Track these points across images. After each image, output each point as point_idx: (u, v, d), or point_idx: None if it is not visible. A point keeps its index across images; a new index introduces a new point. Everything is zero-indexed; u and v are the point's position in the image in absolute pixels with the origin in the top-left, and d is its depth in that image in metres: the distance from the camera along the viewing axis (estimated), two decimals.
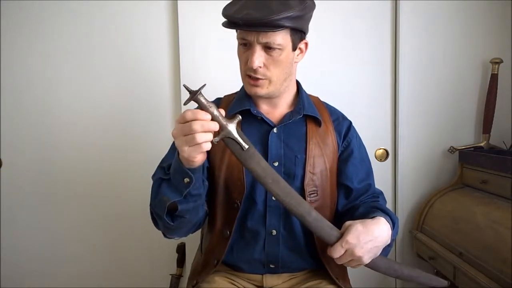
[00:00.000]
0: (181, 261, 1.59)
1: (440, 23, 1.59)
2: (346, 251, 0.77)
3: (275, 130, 0.94)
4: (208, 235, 0.99)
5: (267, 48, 0.84)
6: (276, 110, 0.97)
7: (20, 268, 1.56)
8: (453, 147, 1.62)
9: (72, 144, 1.54)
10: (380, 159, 1.62)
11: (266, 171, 0.75)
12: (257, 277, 0.95)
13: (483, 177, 1.42)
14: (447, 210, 1.47)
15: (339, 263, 0.80)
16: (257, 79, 0.87)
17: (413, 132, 1.62)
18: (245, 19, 0.78)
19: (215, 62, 1.53)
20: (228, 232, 0.92)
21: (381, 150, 1.62)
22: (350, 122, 1.04)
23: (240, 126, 0.93)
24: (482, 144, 1.58)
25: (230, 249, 0.93)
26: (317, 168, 0.93)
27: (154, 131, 1.55)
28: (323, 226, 0.79)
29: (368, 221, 0.81)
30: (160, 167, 0.85)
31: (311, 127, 0.96)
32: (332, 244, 0.78)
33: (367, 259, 0.79)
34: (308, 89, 1.05)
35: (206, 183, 0.87)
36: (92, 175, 1.55)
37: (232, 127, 0.71)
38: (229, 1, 0.88)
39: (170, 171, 0.78)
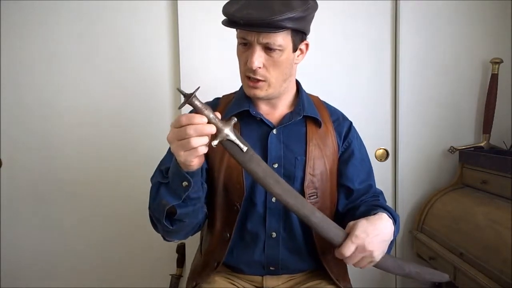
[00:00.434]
0: (181, 261, 1.59)
1: (440, 23, 1.59)
2: (357, 247, 0.75)
3: (274, 131, 0.92)
4: (207, 237, 0.98)
5: (267, 49, 0.82)
6: (275, 110, 0.96)
7: (20, 268, 1.56)
8: (453, 147, 1.62)
9: (72, 144, 1.54)
10: (380, 159, 1.62)
11: (267, 173, 0.74)
12: (257, 278, 0.95)
13: (483, 177, 1.42)
14: (447, 210, 1.47)
15: (351, 262, 0.77)
16: (257, 80, 0.86)
17: (413, 132, 1.62)
18: (246, 19, 0.76)
19: (215, 62, 1.53)
20: (228, 235, 0.91)
21: (381, 150, 1.62)
22: (351, 123, 1.03)
23: (239, 128, 0.92)
24: (482, 144, 1.58)
25: (230, 251, 0.92)
26: (317, 170, 0.92)
27: (154, 130, 1.55)
28: (329, 226, 0.77)
29: (372, 217, 0.80)
30: (159, 170, 0.84)
31: (311, 128, 0.95)
32: (340, 244, 0.76)
33: (378, 255, 0.77)
34: (308, 89, 1.05)
35: (205, 185, 0.86)
36: (92, 175, 1.55)
37: (228, 130, 0.69)
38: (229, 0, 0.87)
39: (168, 174, 0.77)
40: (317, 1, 0.89)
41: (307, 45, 0.91)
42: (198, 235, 1.08)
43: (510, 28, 1.60)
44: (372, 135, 1.57)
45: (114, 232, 1.59)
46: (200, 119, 0.65)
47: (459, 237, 1.33)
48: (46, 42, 1.50)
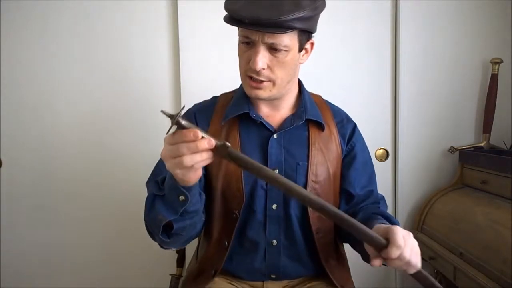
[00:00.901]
0: (181, 261, 1.59)
1: (440, 23, 1.59)
2: (403, 235, 0.65)
3: (275, 136, 0.88)
4: (204, 243, 0.95)
5: (272, 49, 0.78)
6: (277, 113, 0.92)
7: (20, 268, 1.56)
8: (453, 147, 1.62)
9: (72, 144, 1.54)
10: (380, 159, 1.62)
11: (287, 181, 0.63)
12: (258, 283, 0.93)
13: (483, 177, 1.42)
14: (447, 210, 1.47)
15: (397, 264, 0.65)
16: (260, 81, 0.81)
17: (413, 132, 1.62)
18: (252, 18, 0.71)
19: (215, 62, 1.53)
20: (227, 243, 0.88)
21: (381, 150, 1.62)
22: (355, 125, 0.99)
23: (238, 131, 0.89)
24: (482, 144, 1.58)
25: (229, 258, 0.90)
26: (320, 177, 0.89)
27: (154, 131, 1.55)
28: (367, 229, 0.66)
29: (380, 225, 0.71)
30: (154, 181, 0.77)
31: (313, 131, 0.91)
32: (385, 244, 0.64)
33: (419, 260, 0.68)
34: (308, 89, 1.05)
35: (203, 196, 0.80)
36: (91, 175, 1.55)
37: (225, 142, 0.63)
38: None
39: (164, 186, 0.72)
40: None
41: (312, 44, 0.87)
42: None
43: (510, 28, 1.60)
44: (372, 135, 1.57)
45: (114, 232, 1.59)
46: (191, 135, 0.59)
47: (459, 237, 1.33)
48: (46, 42, 1.49)
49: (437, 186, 1.63)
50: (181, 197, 0.68)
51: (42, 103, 1.51)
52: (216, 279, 0.92)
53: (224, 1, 0.80)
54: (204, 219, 0.86)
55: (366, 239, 0.66)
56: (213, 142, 0.60)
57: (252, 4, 0.73)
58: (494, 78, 1.55)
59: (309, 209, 0.87)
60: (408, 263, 0.65)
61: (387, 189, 1.63)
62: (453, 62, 1.61)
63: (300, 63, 0.87)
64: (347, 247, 0.97)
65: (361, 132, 1.02)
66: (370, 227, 0.72)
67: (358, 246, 0.83)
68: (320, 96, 1.03)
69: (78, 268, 1.58)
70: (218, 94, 1.05)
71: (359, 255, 0.87)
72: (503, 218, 1.20)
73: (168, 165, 0.63)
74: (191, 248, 1.55)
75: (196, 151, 0.59)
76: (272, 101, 0.89)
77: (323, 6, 0.81)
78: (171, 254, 1.60)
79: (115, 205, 1.57)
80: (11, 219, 1.54)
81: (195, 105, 0.99)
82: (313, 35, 0.86)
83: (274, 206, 0.88)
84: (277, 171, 0.87)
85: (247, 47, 0.80)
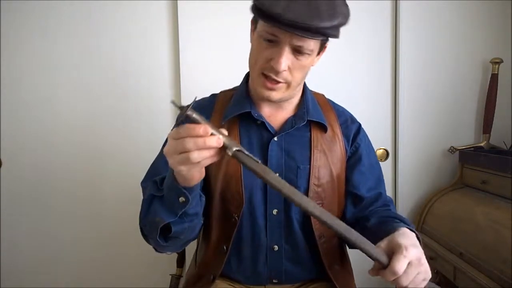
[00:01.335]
0: (181, 261, 1.59)
1: (440, 23, 1.59)
2: (410, 262, 0.62)
3: (276, 138, 0.85)
4: (203, 247, 0.93)
5: (296, 51, 0.75)
6: (279, 113, 0.89)
7: (20, 268, 1.56)
8: (453, 147, 1.62)
9: (72, 144, 1.54)
10: (380, 159, 1.62)
11: (290, 187, 0.61)
12: (259, 287, 0.91)
13: (483, 177, 1.42)
14: (447, 210, 1.47)
15: (406, 282, 0.62)
16: (276, 82, 0.78)
17: (413, 132, 1.62)
18: (291, 20, 0.66)
19: (215, 61, 1.53)
20: (225, 247, 0.85)
21: (381, 150, 1.62)
22: (359, 125, 0.96)
23: (239, 131, 0.87)
24: (482, 144, 1.58)
25: (228, 263, 0.87)
26: (322, 179, 0.86)
27: (154, 131, 1.55)
28: (370, 245, 0.64)
29: (403, 230, 0.70)
30: (152, 181, 0.73)
31: (315, 133, 0.88)
32: (387, 262, 0.63)
33: (429, 269, 0.66)
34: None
35: (203, 198, 0.77)
36: (92, 175, 1.55)
37: (234, 141, 0.60)
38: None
39: (163, 186, 0.69)
40: None
41: (325, 47, 0.85)
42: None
43: (510, 28, 1.60)
44: (372, 135, 1.54)
45: (114, 232, 1.58)
46: (201, 130, 0.56)
47: (459, 237, 1.33)
48: (46, 42, 1.49)
49: (437, 186, 1.63)
50: (181, 198, 0.65)
51: (42, 103, 1.51)
52: (217, 281, 0.90)
53: None
54: (202, 222, 0.83)
55: (368, 254, 0.63)
56: (221, 140, 0.57)
57: (291, 4, 0.68)
58: (494, 78, 1.55)
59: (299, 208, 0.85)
60: (418, 277, 0.63)
61: (387, 189, 1.60)
62: (453, 62, 1.61)
63: (312, 65, 0.85)
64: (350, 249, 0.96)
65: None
66: (387, 230, 0.71)
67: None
68: (323, 95, 1.00)
69: (78, 268, 1.58)
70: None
71: (362, 258, 0.86)
72: (503, 218, 1.20)
73: (172, 161, 0.60)
74: (191, 248, 1.55)
75: (204, 148, 0.56)
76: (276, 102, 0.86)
77: (350, 13, 0.79)
78: (171, 254, 1.60)
79: (115, 205, 1.57)
80: (11, 219, 1.54)
81: (195, 102, 0.98)
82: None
83: (274, 211, 0.85)
84: (277, 174, 0.85)
85: (269, 44, 0.75)
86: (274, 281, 0.89)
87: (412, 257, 0.62)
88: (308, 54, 0.76)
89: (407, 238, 0.66)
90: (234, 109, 0.87)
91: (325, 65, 1.56)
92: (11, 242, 1.55)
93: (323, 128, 0.89)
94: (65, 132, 1.53)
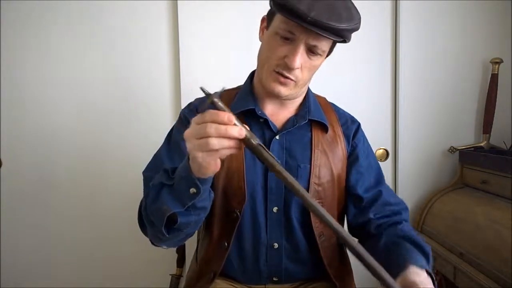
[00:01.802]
0: (181, 261, 1.59)
1: (440, 23, 1.59)
2: None
3: (277, 137, 0.86)
4: (204, 243, 0.93)
5: (310, 51, 0.77)
6: (281, 112, 0.90)
7: (20, 268, 1.56)
8: (453, 147, 1.62)
9: (72, 144, 1.54)
10: (380, 159, 1.62)
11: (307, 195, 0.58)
12: (260, 286, 0.91)
13: (483, 177, 1.42)
14: (447, 210, 1.47)
15: None
16: (288, 78, 0.79)
17: (413, 132, 1.62)
18: (315, 19, 0.68)
19: (215, 62, 1.53)
20: (226, 244, 0.85)
21: (381, 150, 1.63)
22: (359, 125, 0.97)
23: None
24: (482, 144, 1.58)
25: (229, 261, 0.88)
26: (323, 179, 0.86)
27: (154, 132, 1.55)
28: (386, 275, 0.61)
29: (416, 271, 0.68)
30: (164, 169, 0.72)
31: (317, 133, 0.89)
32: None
33: None
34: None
35: (212, 194, 0.75)
36: (91, 175, 1.55)
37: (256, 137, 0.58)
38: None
39: (175, 175, 0.68)
40: None
41: (332, 51, 0.87)
42: (195, 238, 1.07)
43: (510, 28, 1.60)
44: (372, 135, 1.55)
45: (114, 232, 1.59)
46: (225, 117, 0.55)
47: (459, 237, 1.33)
48: (46, 43, 1.49)
49: (437, 186, 1.63)
50: (192, 189, 0.64)
51: (42, 103, 1.51)
52: (217, 281, 0.90)
53: None
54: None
55: (380, 279, 0.60)
56: (244, 132, 0.56)
57: (315, 4, 0.70)
58: (494, 78, 1.55)
59: (311, 213, 0.85)
60: None
61: None
62: (453, 62, 1.61)
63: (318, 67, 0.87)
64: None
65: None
66: (399, 261, 0.70)
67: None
68: (325, 98, 1.01)
69: (78, 268, 1.58)
70: None
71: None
72: (503, 218, 1.20)
73: (190, 145, 0.59)
74: (191, 248, 1.56)
75: (225, 136, 0.55)
76: (282, 99, 0.87)
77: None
78: (171, 254, 1.60)
79: (115, 205, 1.57)
80: (11, 219, 1.54)
81: (197, 99, 0.97)
82: None
83: (275, 209, 0.86)
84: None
85: (285, 42, 0.76)
86: (274, 279, 0.89)
87: None
88: (320, 54, 0.78)
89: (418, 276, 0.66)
90: (238, 105, 0.88)
91: (325, 65, 1.56)
92: (11, 242, 1.55)
93: (324, 128, 0.90)
94: (65, 131, 1.53)
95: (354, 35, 0.80)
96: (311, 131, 0.89)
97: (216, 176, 0.85)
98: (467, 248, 1.27)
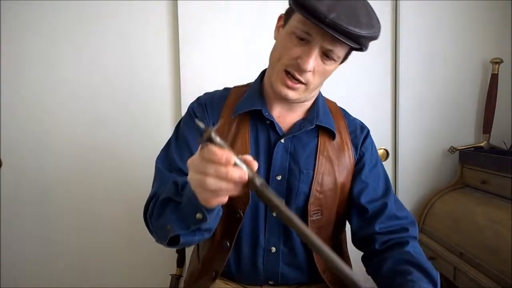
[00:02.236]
0: (181, 261, 1.59)
1: (440, 23, 1.59)
2: None
3: (282, 140, 0.84)
4: (206, 242, 0.92)
5: (324, 55, 0.75)
6: (289, 115, 0.88)
7: (20, 268, 1.56)
8: (453, 147, 1.62)
9: (72, 145, 1.54)
10: (380, 159, 1.62)
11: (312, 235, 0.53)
12: (255, 287, 0.92)
13: (483, 177, 1.42)
14: (447, 210, 1.47)
15: None
16: (297, 81, 0.77)
17: (413, 132, 1.62)
18: (335, 22, 0.66)
19: (215, 62, 1.53)
20: (228, 244, 0.85)
21: (381, 150, 1.62)
22: (368, 132, 0.94)
23: (249, 129, 0.85)
24: (482, 144, 1.58)
25: (229, 260, 0.88)
26: (325, 187, 0.84)
27: (154, 132, 1.55)
28: None
29: None
30: (173, 182, 0.68)
31: (323, 139, 0.87)
32: None
33: None
34: None
35: (221, 212, 0.68)
36: (91, 176, 1.55)
37: (259, 176, 0.52)
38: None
39: (183, 192, 0.63)
40: None
41: (347, 59, 0.86)
42: None
43: (510, 28, 1.60)
44: (372, 135, 1.56)
45: (114, 232, 1.59)
46: (223, 158, 0.48)
47: (459, 237, 1.33)
48: (46, 43, 1.49)
49: (437, 186, 1.63)
50: (198, 215, 0.59)
51: (42, 104, 1.51)
52: (217, 280, 0.90)
53: None
54: None
55: None
56: (245, 175, 0.50)
57: (336, 6, 0.68)
58: (494, 78, 1.55)
59: (309, 219, 0.84)
60: None
61: None
62: (453, 62, 1.61)
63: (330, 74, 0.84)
64: (351, 249, 0.95)
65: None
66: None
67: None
68: (335, 103, 0.99)
69: (78, 268, 1.58)
70: None
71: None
72: (503, 218, 1.20)
73: (190, 176, 0.54)
74: (191, 248, 1.55)
75: (224, 178, 0.50)
76: (290, 102, 0.85)
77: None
78: (171, 254, 1.60)
79: (115, 205, 1.57)
80: (11, 219, 1.54)
81: (206, 94, 0.95)
82: None
83: (274, 213, 0.85)
84: (280, 177, 0.84)
85: (300, 42, 0.74)
86: (270, 282, 0.89)
87: None
88: (334, 60, 0.76)
89: None
90: (245, 105, 0.86)
91: None
92: (11, 242, 1.55)
93: (331, 135, 0.88)
94: (65, 132, 1.53)
95: None
96: (317, 136, 0.87)
97: None
98: (467, 248, 1.27)
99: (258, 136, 0.86)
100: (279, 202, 0.51)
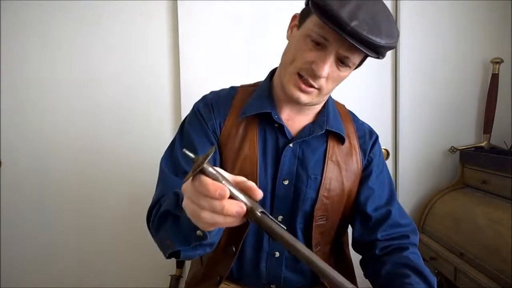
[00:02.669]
0: (181, 262, 1.59)
1: (440, 23, 1.59)
2: None
3: (291, 145, 0.82)
4: None
5: (340, 61, 0.72)
6: (298, 118, 0.85)
7: (20, 268, 1.56)
8: (453, 147, 1.62)
9: (72, 145, 1.54)
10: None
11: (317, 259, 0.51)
12: None
13: (483, 177, 1.42)
14: (448, 210, 1.47)
15: None
16: (310, 85, 0.74)
17: (413, 132, 1.62)
18: (355, 30, 0.64)
19: (215, 62, 1.53)
20: (234, 249, 0.84)
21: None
22: (376, 137, 0.93)
23: (257, 133, 0.83)
24: (482, 144, 1.58)
25: (234, 265, 0.87)
26: (332, 192, 0.83)
27: (154, 133, 1.55)
28: None
29: None
30: (174, 193, 0.64)
31: (332, 143, 0.85)
32: None
33: None
34: None
35: (223, 228, 0.65)
36: (92, 176, 1.55)
37: (257, 205, 0.48)
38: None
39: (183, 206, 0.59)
40: None
41: (361, 65, 0.83)
42: None
43: (510, 28, 1.60)
44: None
45: (114, 232, 1.59)
46: (217, 193, 0.44)
47: (459, 237, 1.33)
48: (46, 43, 1.50)
49: (437, 186, 1.63)
50: (199, 232, 0.57)
51: (41, 104, 1.52)
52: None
53: None
54: None
55: None
56: (244, 208, 0.46)
57: (358, 12, 0.65)
58: (494, 78, 1.55)
59: (314, 224, 0.83)
60: None
61: None
62: (453, 62, 1.61)
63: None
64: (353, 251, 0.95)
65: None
66: None
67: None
68: (344, 106, 0.97)
69: (78, 268, 1.59)
70: None
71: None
72: (503, 218, 1.19)
73: (185, 204, 0.50)
74: None
75: (220, 213, 0.46)
76: (300, 105, 0.82)
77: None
78: None
79: (115, 206, 1.57)
80: (11, 219, 1.54)
81: (212, 92, 0.92)
82: None
83: (279, 218, 0.84)
84: (287, 182, 0.83)
85: (315, 47, 0.71)
86: (272, 286, 0.88)
87: None
88: (349, 67, 0.74)
89: None
90: (254, 107, 0.83)
91: None
92: (11, 242, 1.55)
93: (340, 139, 0.86)
94: (65, 132, 1.54)
95: None
96: (326, 141, 0.85)
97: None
98: (467, 248, 1.27)
99: (266, 140, 0.84)
100: (281, 230, 0.48)
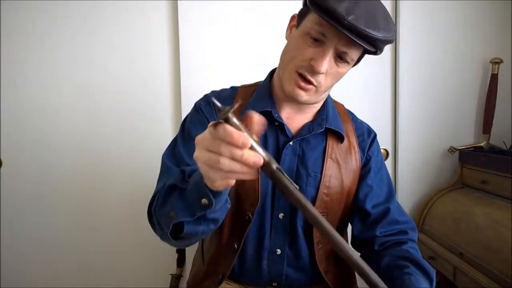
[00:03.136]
0: (181, 261, 1.59)
1: (440, 23, 1.59)
2: None
3: (291, 143, 0.84)
4: (212, 243, 0.91)
5: (338, 57, 0.73)
6: (298, 116, 0.87)
7: (20, 268, 1.56)
8: (453, 147, 1.62)
9: (72, 145, 1.54)
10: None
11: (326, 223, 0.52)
12: None
13: (483, 177, 1.42)
14: (447, 210, 1.47)
15: None
16: (309, 82, 0.75)
17: (413, 132, 1.62)
18: (354, 24, 0.65)
19: (215, 62, 1.53)
20: (236, 246, 0.84)
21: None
22: (375, 136, 0.95)
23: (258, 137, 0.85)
24: (482, 144, 1.58)
25: (235, 263, 0.87)
26: (332, 189, 0.84)
27: (154, 132, 1.55)
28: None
29: None
30: (180, 169, 0.67)
31: (331, 142, 0.87)
32: None
33: None
34: None
35: (229, 204, 0.67)
36: (92, 176, 1.55)
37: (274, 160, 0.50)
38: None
39: (190, 179, 0.62)
40: None
41: (359, 62, 0.83)
42: None
43: (510, 28, 1.60)
44: None
45: (114, 232, 1.59)
46: (240, 141, 0.46)
47: (459, 237, 1.33)
48: (46, 43, 1.49)
49: (437, 186, 1.63)
50: (204, 200, 0.57)
51: (42, 104, 1.51)
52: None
53: None
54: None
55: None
56: (261, 160, 0.48)
57: (354, 7, 0.66)
58: (494, 78, 1.55)
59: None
60: None
61: None
62: (453, 62, 1.61)
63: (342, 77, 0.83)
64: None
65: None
66: (402, 285, 0.69)
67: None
68: (343, 105, 0.99)
69: (78, 268, 1.58)
70: None
71: None
72: (503, 218, 1.20)
73: (198, 153, 0.50)
74: (191, 248, 1.55)
75: (239, 161, 0.47)
76: (300, 103, 0.83)
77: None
78: (171, 254, 1.60)
79: (115, 205, 1.57)
80: (11, 219, 1.54)
81: (213, 92, 0.95)
82: None
83: (280, 215, 0.85)
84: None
85: (313, 43, 0.73)
86: (273, 284, 0.88)
87: None
88: (348, 62, 0.75)
89: None
90: (255, 105, 0.84)
91: None
92: (11, 242, 1.55)
93: (339, 137, 0.88)
94: (65, 132, 1.53)
95: None
96: (326, 139, 0.87)
97: None
98: (467, 248, 1.27)
99: (267, 138, 0.85)
100: (294, 188, 0.50)
